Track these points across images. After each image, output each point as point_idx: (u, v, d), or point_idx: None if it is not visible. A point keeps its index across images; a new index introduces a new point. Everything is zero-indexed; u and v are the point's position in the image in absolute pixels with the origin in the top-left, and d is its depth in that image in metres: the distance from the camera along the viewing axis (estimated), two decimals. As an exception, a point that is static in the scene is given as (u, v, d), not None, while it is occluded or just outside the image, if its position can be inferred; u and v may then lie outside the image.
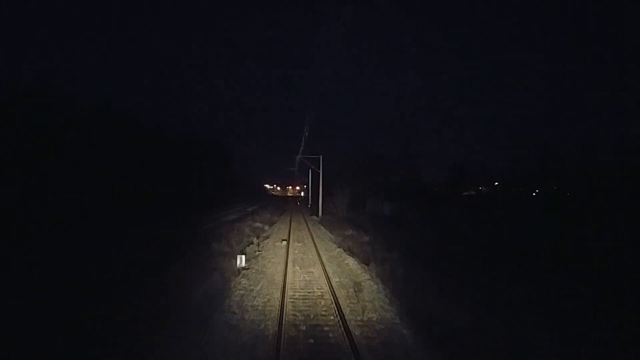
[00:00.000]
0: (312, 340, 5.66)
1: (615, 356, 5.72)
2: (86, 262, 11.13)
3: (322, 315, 6.76)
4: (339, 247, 14.66)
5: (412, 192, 50.65)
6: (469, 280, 9.80)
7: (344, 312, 6.72)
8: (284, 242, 15.28)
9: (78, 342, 5.58)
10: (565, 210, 30.24)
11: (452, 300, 7.50)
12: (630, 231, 16.52)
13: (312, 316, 6.69)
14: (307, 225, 23.54)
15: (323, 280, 9.23)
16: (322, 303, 7.41)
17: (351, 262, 11.64)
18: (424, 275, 10.32)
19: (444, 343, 5.58)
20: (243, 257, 11.38)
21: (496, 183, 62.31)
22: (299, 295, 7.95)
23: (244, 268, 10.69)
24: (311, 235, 17.96)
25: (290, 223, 24.01)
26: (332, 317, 6.61)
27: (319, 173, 33.67)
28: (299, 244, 15.27)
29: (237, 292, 8.14)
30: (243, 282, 9.02)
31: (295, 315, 6.74)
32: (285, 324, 6.21)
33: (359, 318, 6.62)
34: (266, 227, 22.33)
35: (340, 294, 8.05)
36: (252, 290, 8.30)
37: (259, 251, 13.56)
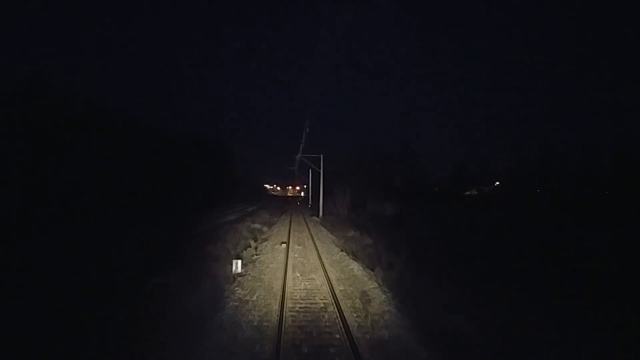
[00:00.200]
0: (315, 366, 4.84)
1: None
2: (69, 266, 10.31)
3: (326, 332, 5.93)
4: (341, 251, 13.83)
5: (414, 192, 49.91)
6: (481, 287, 9.06)
7: (351, 329, 5.89)
8: (284, 245, 14.45)
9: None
10: (566, 210, 29.84)
11: (469, 314, 6.69)
12: (631, 231, 16.63)
13: (314, 334, 5.86)
14: (307, 226, 22.70)
15: (326, 289, 8.40)
16: (326, 317, 6.58)
17: (355, 267, 10.81)
18: (433, 282, 9.51)
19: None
20: (239, 262, 10.55)
21: (497, 183, 61.75)
22: (300, 308, 7.11)
23: (239, 274, 9.87)
24: (312, 237, 17.13)
25: (290, 224, 23.18)
26: (337, 336, 5.78)
27: (320, 173, 32.80)
28: (299, 247, 14.44)
29: (231, 303, 7.31)
30: (238, 291, 8.18)
31: (295, 332, 5.91)
32: (284, 344, 5.39)
33: (368, 337, 5.78)
34: (265, 229, 21.51)
35: (346, 305, 7.22)
36: (247, 301, 7.46)
37: (256, 255, 12.72)
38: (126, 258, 11.77)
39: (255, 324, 6.25)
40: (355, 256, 13.60)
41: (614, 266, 11.52)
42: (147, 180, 32.15)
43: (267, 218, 28.52)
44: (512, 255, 14.21)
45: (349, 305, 7.28)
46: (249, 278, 9.38)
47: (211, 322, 6.26)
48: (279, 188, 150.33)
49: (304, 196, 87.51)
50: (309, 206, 47.28)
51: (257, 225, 22.10)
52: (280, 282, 8.94)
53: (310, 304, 7.38)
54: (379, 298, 7.74)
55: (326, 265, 11.00)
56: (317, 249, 13.68)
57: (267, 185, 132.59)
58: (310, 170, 46.83)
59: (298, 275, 9.81)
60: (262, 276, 9.61)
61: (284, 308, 6.90)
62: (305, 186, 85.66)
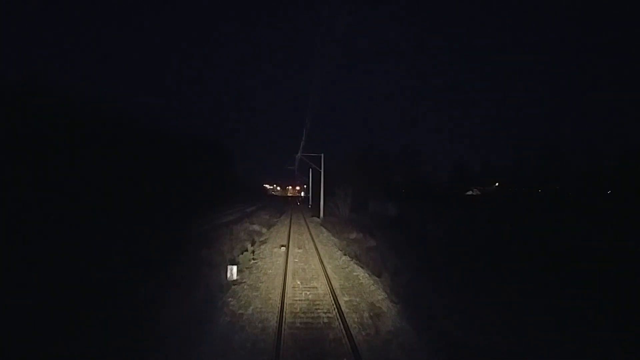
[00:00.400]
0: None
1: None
2: (48, 273, 9.45)
3: (332, 357, 5.08)
4: (344, 255, 12.98)
5: (414, 192, 49.10)
6: (494, 293, 8.28)
7: (361, 354, 5.03)
8: (283, 249, 13.60)
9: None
10: (568, 210, 29.47)
11: (488, 329, 5.86)
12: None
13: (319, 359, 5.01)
14: (308, 227, 21.85)
15: (329, 299, 7.54)
16: (331, 337, 5.73)
17: (361, 273, 9.96)
18: (445, 290, 8.68)
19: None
20: (234, 268, 9.71)
21: (497, 184, 61.15)
22: (301, 324, 6.26)
23: (234, 282, 9.02)
24: (313, 240, 16.27)
25: (290, 225, 22.33)
26: (345, 361, 4.93)
27: (320, 172, 31.94)
28: (300, 251, 13.59)
29: (223, 318, 6.46)
30: (231, 303, 7.32)
31: (296, 357, 5.06)
32: (281, 373, 4.54)
33: (381, 362, 4.94)
34: (264, 230, 20.67)
35: (353, 321, 6.37)
36: (241, 315, 6.61)
37: (254, 259, 11.87)
38: (116, 263, 10.92)
39: (249, 345, 5.39)
40: (359, 260, 12.78)
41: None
42: (146, 180, 31.89)
43: (267, 219, 27.68)
44: (522, 259, 13.71)
45: (356, 320, 6.43)
46: (245, 287, 8.53)
47: (198, 344, 5.40)
48: (278, 188, 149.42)
49: (304, 196, 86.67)
50: (309, 206, 46.44)
51: (256, 227, 21.26)
52: (278, 291, 8.09)
53: (313, 318, 6.53)
54: (390, 312, 6.88)
55: (329, 271, 10.16)
56: (318, 253, 12.83)
57: (267, 185, 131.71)
58: (310, 170, 46.02)
59: (298, 283, 8.96)
60: (259, 284, 8.76)
61: (283, 325, 6.05)
62: (305, 186, 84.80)
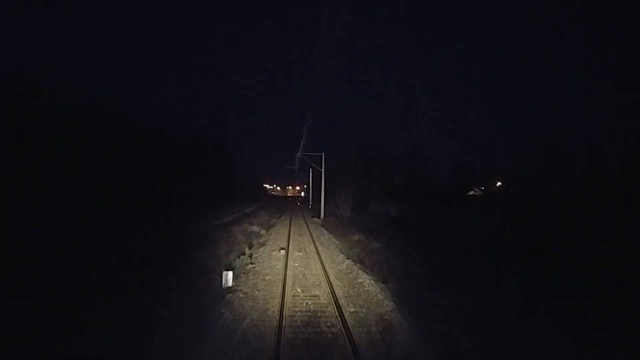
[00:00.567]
0: None
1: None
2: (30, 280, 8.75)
3: (337, 383, 4.39)
4: (347, 258, 12.29)
5: (416, 192, 48.46)
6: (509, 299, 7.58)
7: (371, 380, 4.34)
8: (282, 252, 12.91)
9: None
10: (571, 210, 29.18)
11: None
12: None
13: (322, 386, 4.32)
14: (308, 229, 21.15)
15: (333, 310, 6.86)
16: (337, 356, 5.04)
17: (366, 280, 9.26)
18: (459, 298, 8.01)
19: None
20: (230, 274, 9.02)
21: (499, 184, 60.65)
22: (301, 340, 5.57)
23: (229, 289, 8.34)
24: (313, 242, 15.58)
25: (289, 226, 21.63)
26: (353, 390, 4.24)
27: (320, 172, 31.26)
28: (300, 254, 12.90)
29: (213, 335, 5.77)
30: (225, 315, 6.64)
31: (295, 383, 4.37)
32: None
33: (396, 391, 4.25)
34: (263, 232, 19.98)
35: (361, 337, 5.67)
36: (235, 331, 5.92)
37: (251, 264, 11.18)
38: (106, 268, 10.24)
39: (242, 368, 4.71)
40: (362, 264, 12.09)
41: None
42: (146, 180, 31.64)
43: (266, 220, 27.02)
44: (535, 261, 13.34)
45: (364, 336, 5.73)
46: (240, 295, 7.83)
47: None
48: (278, 188, 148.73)
49: (304, 196, 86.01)
50: (309, 207, 45.76)
51: (255, 228, 20.58)
52: (277, 300, 7.40)
53: (315, 333, 5.85)
54: (400, 325, 6.19)
55: (331, 277, 9.47)
56: (319, 257, 12.14)
57: (266, 185, 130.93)
58: (310, 169, 45.36)
59: (299, 290, 8.27)
60: (256, 292, 8.07)
61: (282, 342, 5.36)
62: (305, 186, 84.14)
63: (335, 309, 6.88)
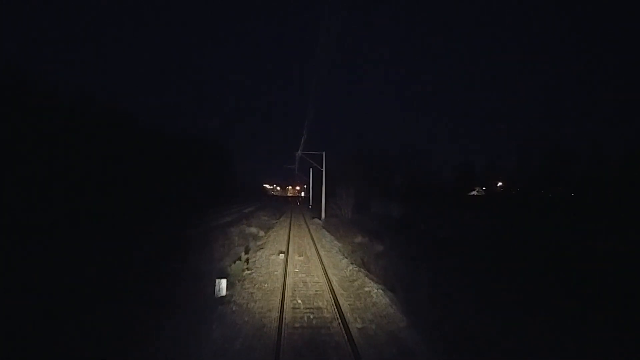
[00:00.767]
0: None
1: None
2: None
3: None
4: (351, 263, 11.46)
5: (418, 192, 47.65)
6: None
7: None
8: (282, 256, 12.07)
9: None
10: (573, 211, 29.05)
11: None
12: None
13: None
14: (309, 230, 20.32)
15: (339, 327, 6.02)
16: (344, 390, 4.20)
17: (373, 289, 8.41)
18: (480, 309, 7.20)
19: None
20: (223, 282, 8.20)
21: (499, 184, 59.97)
22: (303, 366, 4.74)
23: (222, 301, 7.51)
24: (315, 245, 14.75)
25: (289, 228, 20.79)
26: None
27: (321, 172, 30.42)
28: (301, 258, 12.06)
29: (202, 355, 4.94)
30: (215, 332, 5.81)
31: None
32: None
33: None
34: (261, 233, 19.15)
35: (372, 363, 4.84)
36: (225, 352, 5.08)
37: (247, 270, 10.34)
38: (90, 273, 9.42)
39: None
40: (367, 270, 11.28)
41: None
42: (145, 180, 31.35)
43: (265, 220, 26.19)
44: (536, 263, 13.14)
45: (376, 362, 4.90)
46: (233, 307, 7.00)
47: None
48: (278, 188, 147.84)
49: (304, 196, 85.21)
50: (310, 207, 44.94)
51: (253, 230, 19.75)
52: (275, 314, 6.57)
53: (319, 356, 5.01)
54: (419, 348, 5.35)
55: (335, 285, 8.64)
56: (321, 262, 11.29)
57: (266, 185, 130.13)
58: (311, 169, 44.56)
59: (299, 302, 7.43)
60: (251, 305, 7.23)
61: (279, 370, 4.52)
62: (305, 186, 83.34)
63: (341, 325, 6.04)
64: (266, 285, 8.69)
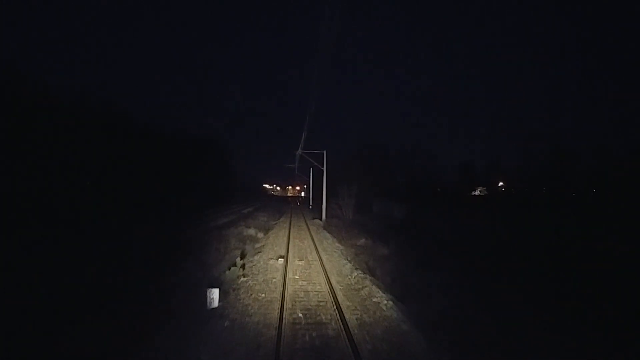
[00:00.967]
0: None
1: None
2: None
3: None
4: (356, 269, 10.64)
5: (420, 192, 46.87)
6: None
7: None
8: (281, 260, 11.25)
9: None
10: (576, 211, 28.41)
11: None
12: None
13: None
14: (309, 232, 19.49)
15: (347, 348, 5.20)
16: None
17: (382, 299, 7.59)
18: (504, 323, 6.39)
19: None
20: (216, 292, 7.39)
21: (500, 184, 59.23)
22: (305, 403, 3.92)
23: (212, 315, 6.69)
24: (316, 248, 13.92)
25: (289, 229, 19.95)
26: None
27: (321, 171, 29.60)
28: (301, 263, 11.23)
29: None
30: (202, 354, 4.99)
31: None
32: None
33: None
34: (260, 235, 18.33)
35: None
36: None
37: (244, 277, 9.51)
38: (78, 280, 8.61)
39: None
40: (373, 276, 10.50)
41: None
42: (145, 180, 30.80)
43: (264, 221, 25.37)
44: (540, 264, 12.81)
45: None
46: (226, 323, 6.18)
47: None
48: (278, 188, 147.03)
49: (304, 196, 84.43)
50: (310, 207, 44.13)
51: (251, 231, 18.93)
52: (272, 332, 5.75)
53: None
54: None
55: (339, 295, 7.82)
56: (324, 267, 10.47)
57: (266, 185, 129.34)
58: (311, 169, 43.76)
59: (300, 316, 6.60)
60: (246, 319, 6.40)
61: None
62: (305, 186, 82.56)
63: (349, 346, 5.22)
64: (263, 295, 7.86)
